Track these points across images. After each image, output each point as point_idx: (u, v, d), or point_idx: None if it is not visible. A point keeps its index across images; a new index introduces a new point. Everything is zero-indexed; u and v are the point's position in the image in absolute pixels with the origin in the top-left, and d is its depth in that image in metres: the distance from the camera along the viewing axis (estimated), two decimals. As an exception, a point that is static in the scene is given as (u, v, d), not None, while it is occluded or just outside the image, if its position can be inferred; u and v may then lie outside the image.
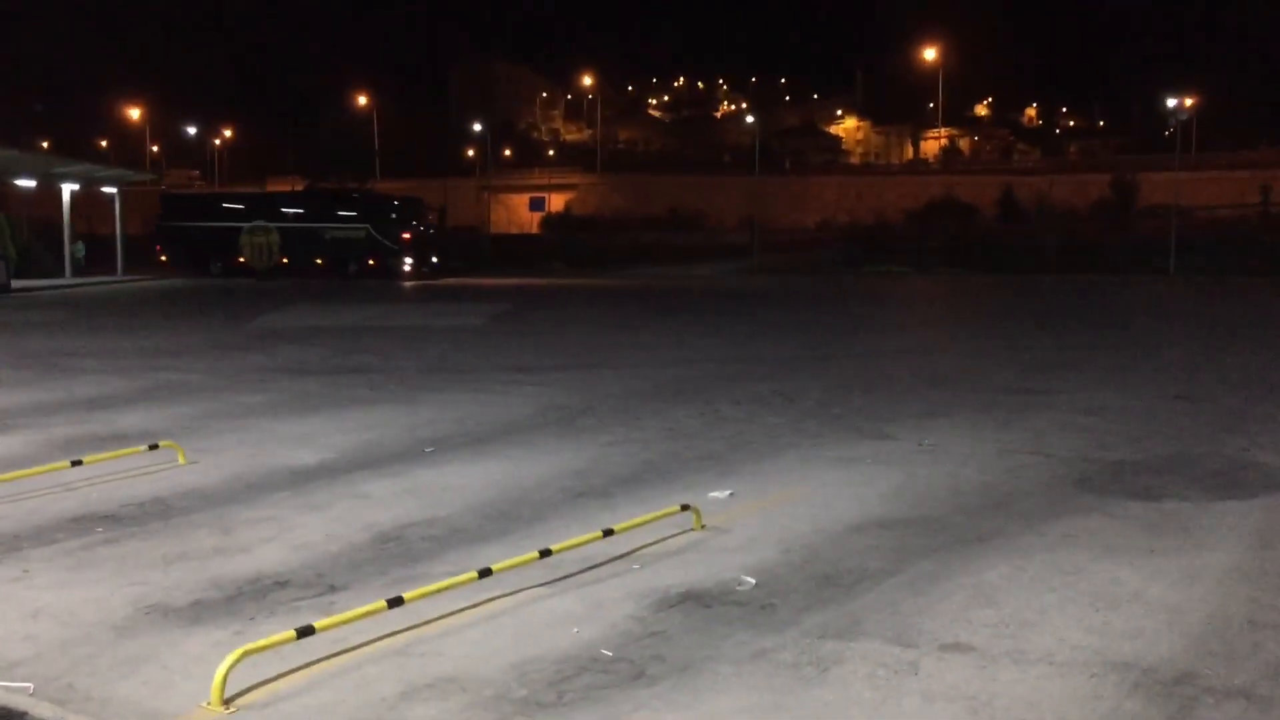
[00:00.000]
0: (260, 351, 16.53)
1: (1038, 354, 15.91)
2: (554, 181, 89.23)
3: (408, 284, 36.95)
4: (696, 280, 39.51)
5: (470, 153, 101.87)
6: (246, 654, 4.49)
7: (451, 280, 39.19)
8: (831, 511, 7.28)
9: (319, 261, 40.72)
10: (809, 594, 5.69)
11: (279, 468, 8.64)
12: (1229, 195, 61.73)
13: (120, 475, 8.31)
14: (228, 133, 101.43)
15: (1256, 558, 6.24)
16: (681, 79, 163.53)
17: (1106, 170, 67.93)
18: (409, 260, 40.11)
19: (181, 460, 8.80)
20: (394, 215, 40.79)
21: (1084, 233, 52.17)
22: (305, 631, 4.73)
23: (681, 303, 27.93)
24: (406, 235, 40.46)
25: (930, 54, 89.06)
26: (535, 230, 76.76)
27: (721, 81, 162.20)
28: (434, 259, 41.41)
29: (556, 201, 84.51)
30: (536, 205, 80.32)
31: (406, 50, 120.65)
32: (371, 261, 39.99)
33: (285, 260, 41.38)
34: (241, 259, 42.03)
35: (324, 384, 13.18)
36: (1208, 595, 5.60)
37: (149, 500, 7.66)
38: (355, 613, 5.00)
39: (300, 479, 8.27)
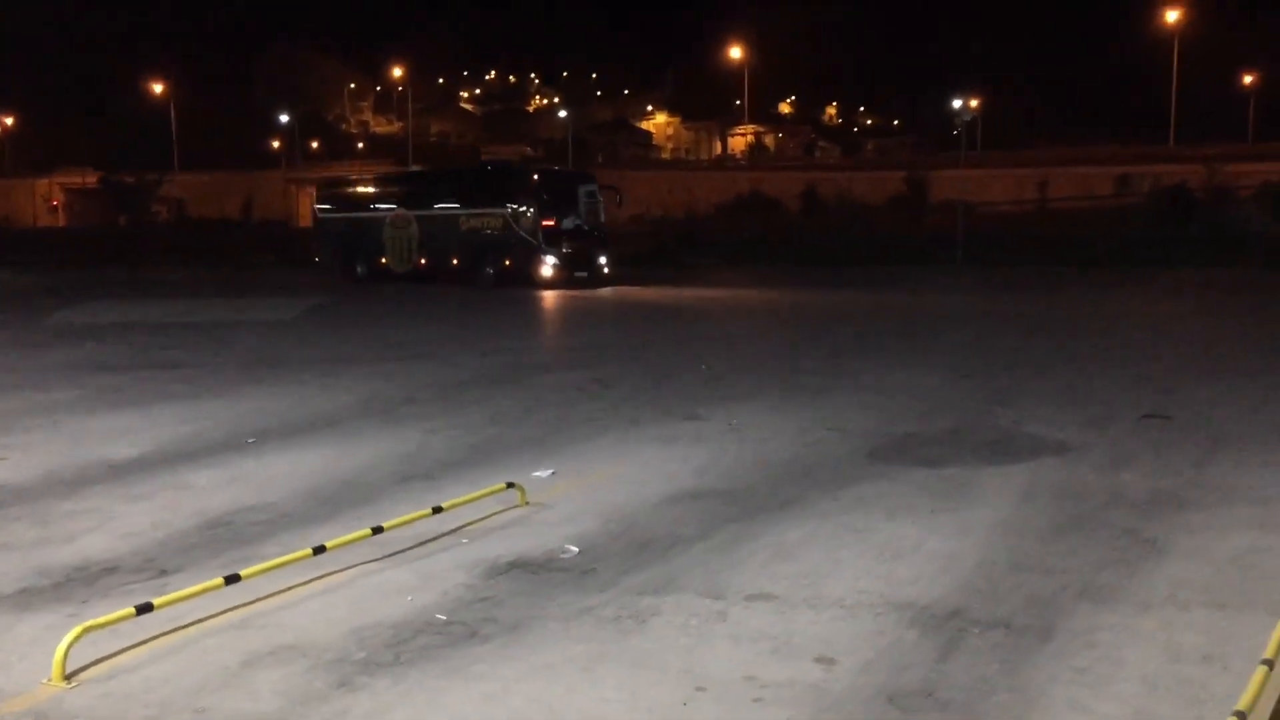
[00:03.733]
0: (64, 348, 15.97)
1: (838, 340, 16.84)
2: (363, 174, 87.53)
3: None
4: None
5: (276, 144, 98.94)
6: (87, 630, 4.63)
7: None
8: (647, 486, 7.75)
9: (455, 262, 30.29)
10: (627, 558, 6.14)
11: (95, 461, 8.56)
12: (1011, 191, 65.60)
13: (-75, 473, 8.09)
14: (8, 120, 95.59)
15: (1020, 512, 7.02)
16: (493, 72, 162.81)
17: (901, 168, 71.22)
18: (550, 261, 28.49)
19: (-10, 457, 8.60)
20: (532, 194, 28.85)
21: (881, 226, 54.74)
22: (144, 608, 4.89)
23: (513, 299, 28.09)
24: (549, 223, 28.85)
25: (736, 53, 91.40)
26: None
27: (533, 75, 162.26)
28: (601, 259, 29.70)
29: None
30: (346, 199, 78.69)
31: (207, 36, 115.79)
32: (508, 262, 28.84)
33: (423, 261, 31.38)
34: (383, 259, 32.37)
35: (134, 379, 12.92)
36: (978, 545, 6.31)
37: (-41, 496, 7.52)
38: (193, 590, 5.17)
39: (119, 472, 8.23)
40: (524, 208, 28.84)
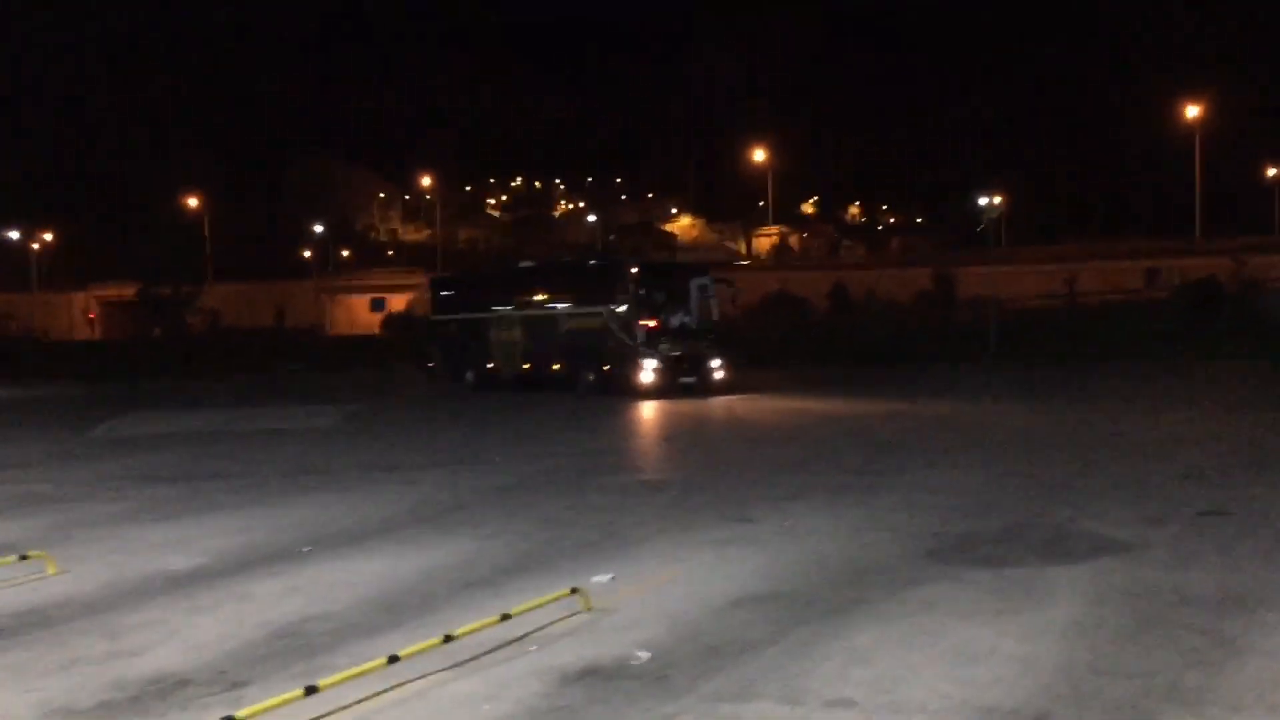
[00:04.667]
0: (110, 460, 16.15)
1: (881, 437, 16.80)
2: (395, 282, 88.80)
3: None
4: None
5: (307, 254, 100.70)
6: (170, 747, 4.62)
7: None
8: (709, 589, 7.71)
9: (556, 367, 27.89)
10: (699, 664, 6.08)
11: (154, 573, 8.60)
12: (1039, 287, 65.71)
13: (-10, 587, 8.15)
14: (48, 237, 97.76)
15: (1092, 613, 6.92)
16: (519, 179, 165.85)
17: (926, 264, 71.63)
18: (649, 365, 25.27)
19: (52, 570, 8.66)
20: (630, 290, 25.82)
21: (909, 323, 54.93)
22: (227, 722, 4.88)
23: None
24: (650, 323, 25.84)
25: (760, 155, 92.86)
26: (377, 331, 76.09)
27: (559, 181, 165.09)
28: (712, 363, 26.15)
29: (397, 302, 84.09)
30: (377, 305, 79.85)
31: (237, 149, 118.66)
32: (607, 367, 26.17)
33: (526, 366, 28.88)
34: (490, 364, 30.04)
35: (183, 490, 13.02)
36: (1053, 647, 6.22)
37: (25, 611, 7.57)
38: (273, 701, 5.16)
39: (179, 583, 8.26)
40: (621, 306, 25.84)
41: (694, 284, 27.11)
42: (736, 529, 9.91)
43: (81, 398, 32.51)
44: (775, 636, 6.55)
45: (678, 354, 25.72)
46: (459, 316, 31.65)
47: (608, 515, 10.75)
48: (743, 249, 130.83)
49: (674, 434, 18.46)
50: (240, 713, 5.01)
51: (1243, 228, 72.57)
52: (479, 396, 27.88)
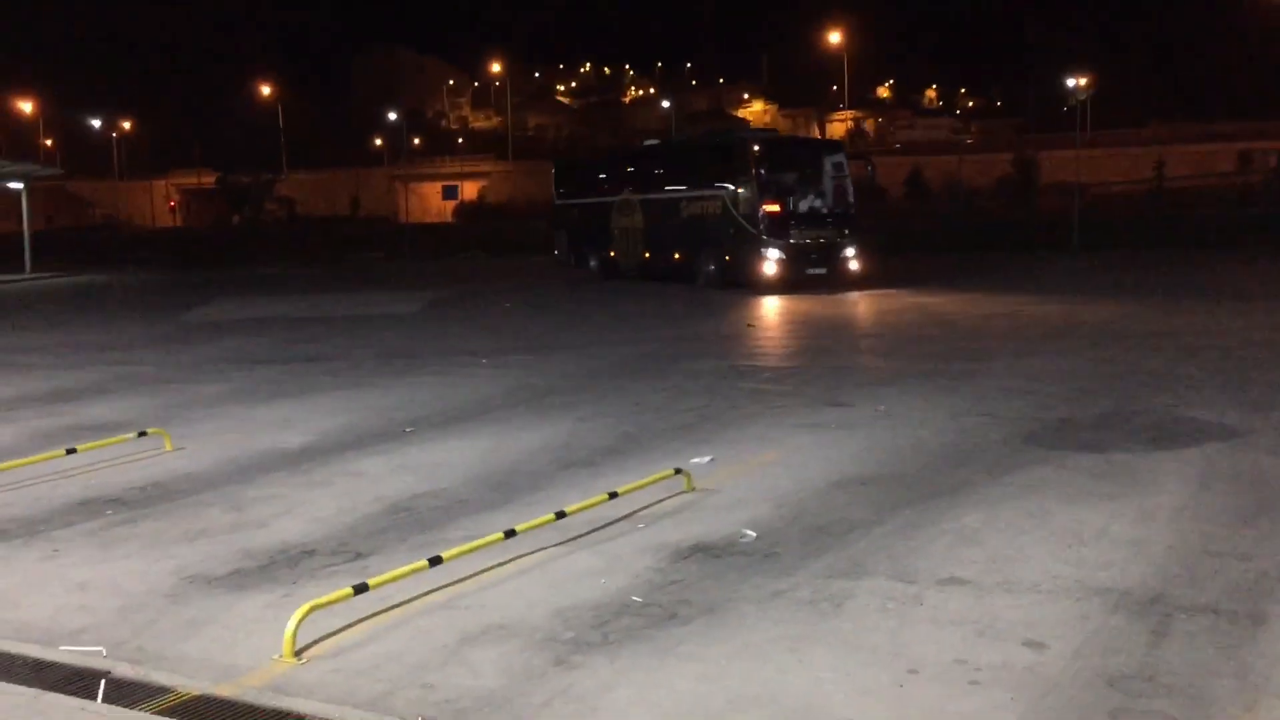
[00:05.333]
0: (206, 343, 16.55)
1: (968, 324, 16.62)
2: (466, 170, 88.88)
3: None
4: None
5: (378, 142, 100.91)
6: (314, 609, 4.82)
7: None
8: (809, 471, 7.77)
9: (676, 257, 25.85)
10: (806, 542, 6.17)
11: (268, 450, 8.87)
12: (1124, 172, 63.80)
13: (111, 462, 8.49)
14: (127, 125, 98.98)
15: (1199, 497, 6.87)
16: (588, 64, 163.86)
17: (1007, 149, 69.80)
18: (773, 255, 22.94)
19: (169, 447, 8.97)
20: (752, 169, 23.14)
21: (990, 210, 53.81)
22: (360, 589, 5.07)
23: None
24: (773, 206, 23.16)
25: (835, 37, 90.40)
26: (449, 219, 76.45)
27: (628, 67, 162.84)
28: (846, 253, 23.69)
29: (469, 190, 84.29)
30: (449, 194, 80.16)
31: (308, 39, 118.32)
32: (728, 257, 23.99)
33: (647, 254, 26.96)
34: (612, 252, 28.22)
35: (281, 373, 13.34)
36: (1164, 530, 6.20)
37: (148, 484, 7.86)
38: (402, 570, 5.34)
39: (292, 460, 8.52)
40: (742, 188, 23.37)
41: (828, 163, 24.41)
42: (831, 413, 9.94)
43: (169, 283, 33.22)
44: (881, 517, 6.60)
45: (806, 242, 23.27)
46: (582, 200, 29.76)
47: (700, 399, 10.82)
48: (816, 134, 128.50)
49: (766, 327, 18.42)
50: (372, 580, 5.20)
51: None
52: (575, 287, 27.52)
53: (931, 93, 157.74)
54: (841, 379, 11.87)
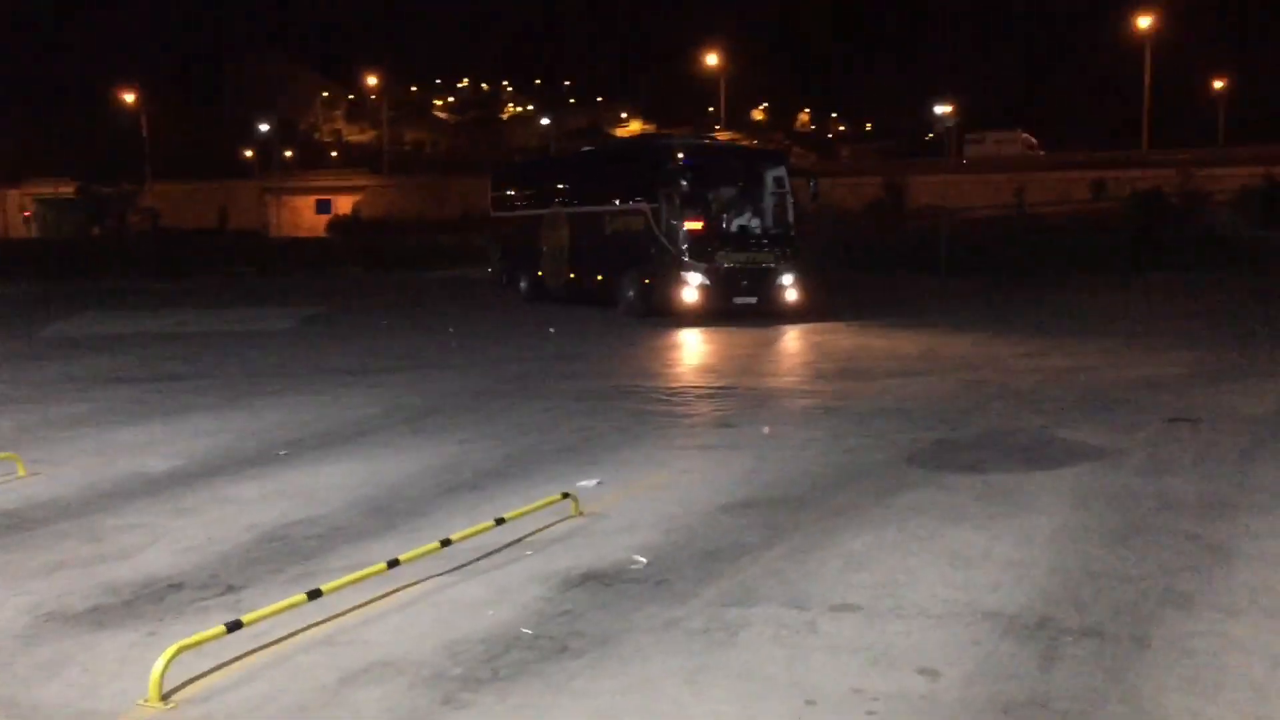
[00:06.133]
0: (64, 361, 15.75)
1: (846, 345, 16.85)
2: (341, 183, 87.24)
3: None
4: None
5: (249, 154, 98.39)
6: (182, 650, 4.53)
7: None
8: (696, 494, 7.71)
9: (599, 279, 23.03)
10: (698, 568, 6.08)
11: (131, 475, 8.42)
12: (989, 197, 66.02)
13: (-41, 489, 7.95)
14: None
15: (1076, 518, 7.01)
16: (466, 80, 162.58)
17: (877, 174, 71.54)
18: (693, 281, 20.22)
19: (22, 472, 8.45)
20: (673, 181, 20.28)
21: (861, 232, 54.97)
22: (234, 626, 4.80)
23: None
24: (696, 226, 20.39)
25: (712, 59, 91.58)
26: (323, 234, 74.84)
27: (506, 83, 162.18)
28: (783, 279, 20.87)
29: (344, 204, 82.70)
30: (323, 208, 78.53)
31: (178, 46, 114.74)
32: (647, 280, 21.12)
33: (572, 275, 24.20)
34: (540, 272, 25.47)
35: (146, 391, 12.76)
36: (1044, 552, 6.29)
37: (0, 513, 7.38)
38: (279, 605, 5.08)
39: (158, 485, 8.10)
40: (663, 202, 20.49)
41: (767, 176, 21.65)
42: (717, 435, 9.92)
43: (24, 297, 31.66)
44: (770, 542, 6.56)
45: (735, 266, 20.39)
46: (514, 213, 27.11)
47: (584, 420, 10.69)
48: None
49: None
50: (247, 616, 4.93)
51: (1190, 141, 73.19)
52: (476, 305, 27.02)
53: (804, 117, 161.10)
54: (728, 401, 11.89)
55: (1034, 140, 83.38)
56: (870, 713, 4.28)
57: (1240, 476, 8.05)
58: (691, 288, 20.19)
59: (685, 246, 20.20)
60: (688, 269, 20.21)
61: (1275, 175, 46.38)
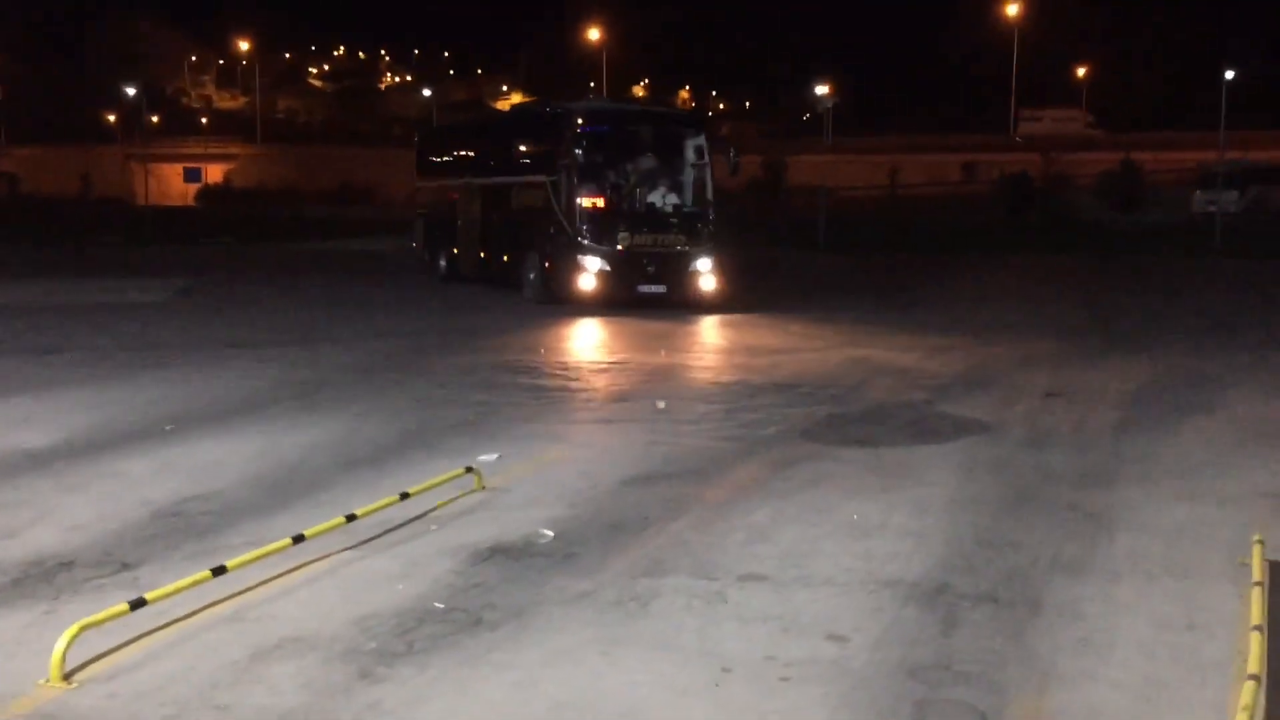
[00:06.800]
0: (-78, 332, 14.99)
1: (730, 321, 17.06)
2: (211, 151, 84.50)
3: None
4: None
5: (112, 118, 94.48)
6: (84, 628, 4.40)
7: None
8: (598, 468, 7.76)
9: (505, 259, 20.65)
10: (605, 541, 6.14)
11: (10, 450, 8.08)
12: (864, 177, 67.31)
13: None
14: None
15: (966, 489, 7.28)
16: (342, 48, 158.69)
17: (757, 153, 72.39)
18: (591, 265, 18.03)
19: (-112, 448, 8.05)
20: (571, 150, 18.05)
21: (740, 209, 55.58)
22: (137, 604, 4.68)
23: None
24: (595, 203, 18.18)
25: (594, 34, 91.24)
26: (191, 203, 72.47)
27: (384, 52, 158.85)
28: (698, 264, 18.45)
29: (214, 172, 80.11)
30: (192, 176, 75.75)
31: (38, 3, 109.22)
32: (547, 264, 18.85)
33: (482, 254, 21.73)
34: (455, 249, 22.90)
35: (17, 364, 12.21)
36: (939, 522, 6.52)
37: None
38: (183, 582, 4.96)
39: (40, 461, 7.80)
40: (560, 175, 18.30)
41: (686, 146, 19.11)
42: (611, 409, 9.98)
43: None
44: (674, 514, 6.65)
45: (640, 249, 18.05)
46: (434, 182, 24.64)
47: (478, 394, 10.64)
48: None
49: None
50: (150, 594, 4.80)
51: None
52: (367, 281, 26.49)
53: (685, 94, 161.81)
54: (622, 377, 11.95)
55: (1092, 118, 79.88)
56: (784, 679, 4.39)
57: (1114, 448, 8.44)
58: (589, 274, 17.92)
59: (583, 226, 17.95)
60: (585, 252, 17.91)
61: (1133, 161, 48.30)
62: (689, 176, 19.03)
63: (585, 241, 17.96)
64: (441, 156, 25.21)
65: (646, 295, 18.05)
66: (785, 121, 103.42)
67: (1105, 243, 35.47)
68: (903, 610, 5.11)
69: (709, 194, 18.92)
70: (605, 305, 17.98)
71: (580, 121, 18.31)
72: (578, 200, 17.94)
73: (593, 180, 18.20)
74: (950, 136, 77.77)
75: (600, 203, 18.11)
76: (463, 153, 23.97)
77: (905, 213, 52.23)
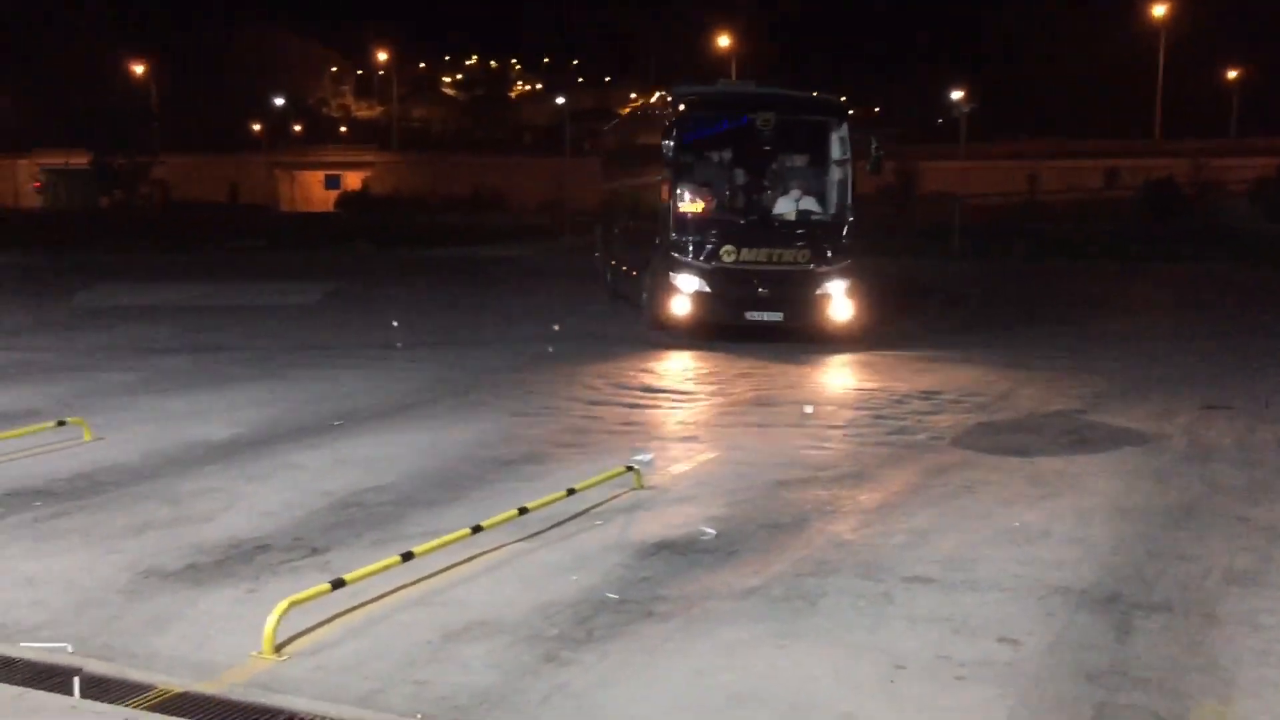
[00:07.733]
0: (101, 330, 15.86)
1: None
2: (349, 159, 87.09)
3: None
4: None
5: (257, 127, 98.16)
6: (293, 604, 4.71)
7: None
8: (753, 469, 7.88)
9: (634, 274, 17.42)
10: (766, 540, 6.25)
11: (194, 442, 8.57)
12: (1000, 184, 65.93)
13: (29, 453, 8.10)
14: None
15: (1130, 499, 7.17)
16: (475, 57, 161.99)
17: (889, 158, 71.51)
18: (685, 286, 14.72)
19: (88, 436, 8.61)
20: (670, 144, 14.57)
21: (874, 216, 54.98)
22: (338, 584, 4.97)
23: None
24: (692, 208, 14.96)
25: (724, 40, 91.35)
26: (331, 209, 74.86)
27: (515, 61, 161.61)
28: (828, 287, 14.63)
29: (352, 180, 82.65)
30: (332, 183, 78.52)
31: (184, 18, 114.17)
32: (649, 283, 15.95)
33: (625, 266, 18.62)
34: (612, 260, 20.15)
35: (189, 362, 12.90)
36: (1104, 531, 6.46)
37: (74, 476, 7.52)
38: (376, 566, 5.25)
39: (222, 452, 8.26)
40: (671, 174, 14.84)
41: (831, 137, 15.34)
42: (761, 413, 10.09)
43: (43, 267, 31.74)
44: (831, 516, 6.73)
45: (749, 266, 14.65)
46: (610, 185, 21.67)
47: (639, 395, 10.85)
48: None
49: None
50: (349, 575, 5.09)
51: (1201, 132, 73.03)
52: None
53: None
54: (765, 380, 12.04)
55: None
56: (959, 677, 4.45)
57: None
58: (682, 295, 14.61)
59: (679, 237, 14.76)
60: (678, 269, 14.69)
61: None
62: (826, 176, 15.42)
63: (678, 256, 14.70)
64: (617, 156, 21.67)
65: (756, 323, 14.67)
66: (916, 128, 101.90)
67: (1260, 251, 34.08)
68: (1074, 616, 5.11)
69: (849, 198, 15.03)
70: (702, 336, 14.81)
71: (681, 108, 15.04)
72: (677, 205, 14.78)
73: (693, 179, 15.18)
74: (1088, 142, 75.61)
75: (700, 208, 14.92)
76: (628, 152, 20.19)
77: (1046, 221, 50.99)
